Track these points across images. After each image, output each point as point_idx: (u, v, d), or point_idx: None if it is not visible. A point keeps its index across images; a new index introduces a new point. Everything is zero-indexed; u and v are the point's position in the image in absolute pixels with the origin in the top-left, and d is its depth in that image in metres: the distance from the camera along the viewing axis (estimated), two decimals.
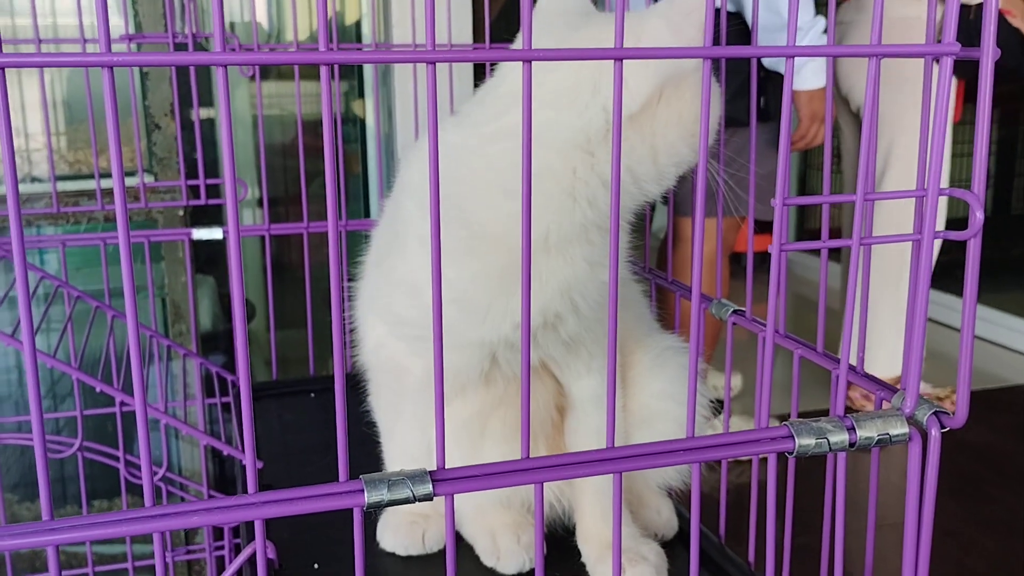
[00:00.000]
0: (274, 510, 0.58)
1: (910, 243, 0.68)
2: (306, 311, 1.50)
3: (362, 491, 0.59)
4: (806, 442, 0.66)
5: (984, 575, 2.05)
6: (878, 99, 0.67)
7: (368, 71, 2.37)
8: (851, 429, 0.67)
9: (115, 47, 1.59)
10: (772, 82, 2.38)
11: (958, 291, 3.72)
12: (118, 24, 1.41)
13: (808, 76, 2.37)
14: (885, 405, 0.74)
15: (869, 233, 0.69)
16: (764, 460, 1.00)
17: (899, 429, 0.68)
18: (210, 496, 1.44)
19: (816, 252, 4.44)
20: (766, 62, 2.28)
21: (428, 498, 0.60)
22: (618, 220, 0.63)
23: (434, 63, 0.56)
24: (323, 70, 0.54)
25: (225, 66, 0.53)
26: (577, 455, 0.64)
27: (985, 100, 0.64)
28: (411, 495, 0.59)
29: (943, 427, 0.69)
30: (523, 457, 0.63)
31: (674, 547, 1.00)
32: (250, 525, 1.07)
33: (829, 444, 0.67)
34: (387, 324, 0.95)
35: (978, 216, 0.65)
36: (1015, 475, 2.59)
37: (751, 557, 0.97)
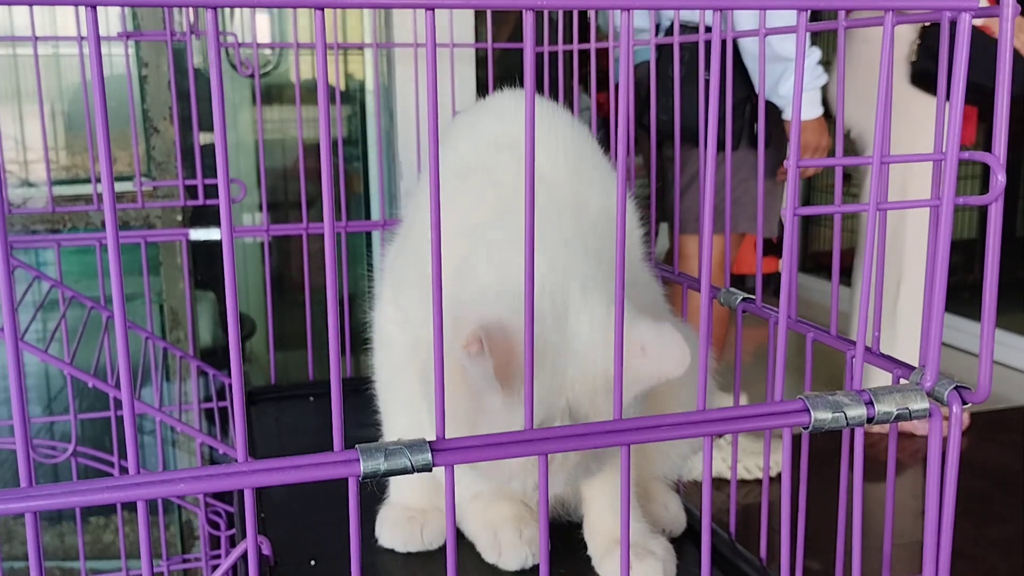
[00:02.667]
0: (264, 479, 0.56)
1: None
2: (306, 326, 1.46)
3: (357, 460, 0.56)
4: (822, 416, 0.64)
5: None
6: (892, 61, 0.65)
7: (370, 87, 2.35)
8: (869, 404, 0.64)
9: (113, 45, 1.56)
10: (767, 110, 2.36)
11: (964, 312, 3.68)
12: (115, 21, 1.40)
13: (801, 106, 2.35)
14: (903, 384, 0.71)
15: (885, 199, 0.66)
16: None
17: (919, 404, 0.65)
18: (206, 502, 1.41)
19: (823, 274, 4.44)
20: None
21: (427, 468, 0.57)
22: (624, 209, 0.60)
23: (432, 9, 0.54)
24: (316, 15, 0.52)
25: (213, 8, 0.51)
26: (584, 427, 0.61)
27: (1005, 57, 0.61)
28: (409, 464, 0.57)
29: (964, 403, 0.66)
30: (527, 428, 0.60)
31: (682, 543, 0.97)
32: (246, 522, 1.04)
33: (846, 418, 0.64)
34: (395, 304, 0.95)
35: (999, 179, 0.63)
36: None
37: (763, 554, 0.93)
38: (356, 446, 0.57)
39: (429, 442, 0.57)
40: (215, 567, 1.52)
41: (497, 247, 0.80)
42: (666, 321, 0.78)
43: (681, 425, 0.62)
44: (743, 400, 2.85)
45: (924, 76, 2.59)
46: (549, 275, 0.76)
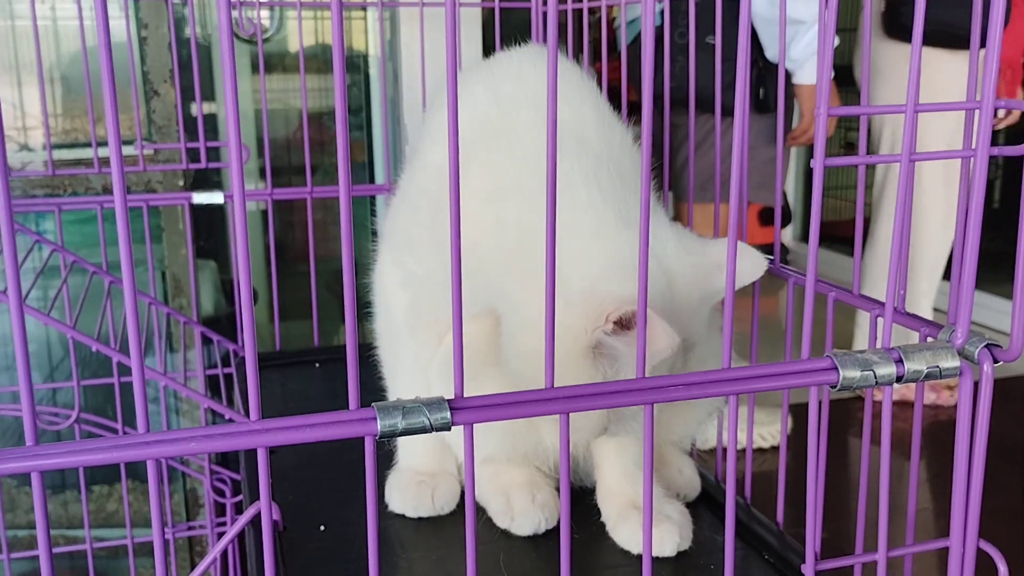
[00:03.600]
0: (278, 437, 0.54)
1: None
2: (311, 300, 1.45)
3: (374, 419, 0.54)
4: (851, 374, 0.62)
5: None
6: (925, 13, 0.63)
7: (374, 50, 2.32)
8: (899, 361, 0.63)
9: (111, 6, 1.53)
10: (773, 74, 2.33)
11: (982, 286, 3.66)
12: None
13: (810, 71, 2.32)
14: (932, 341, 0.69)
15: (914, 149, 0.64)
16: (792, 436, 0.95)
17: (950, 362, 0.64)
18: (212, 469, 1.40)
19: (829, 244, 4.42)
20: (769, 54, 2.24)
21: (446, 427, 0.55)
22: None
23: None
24: None
25: None
26: (606, 385, 0.59)
27: None
28: (427, 423, 0.55)
29: (996, 361, 0.65)
30: (547, 386, 0.59)
31: (697, 507, 0.96)
32: (254, 488, 1.02)
33: (875, 376, 0.62)
34: (397, 264, 0.94)
35: None
36: None
37: (779, 517, 0.92)
38: (373, 404, 0.55)
39: (448, 400, 0.56)
40: (221, 535, 1.52)
41: (584, 217, 0.79)
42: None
43: (706, 383, 0.60)
44: None
45: (896, 26, 2.53)
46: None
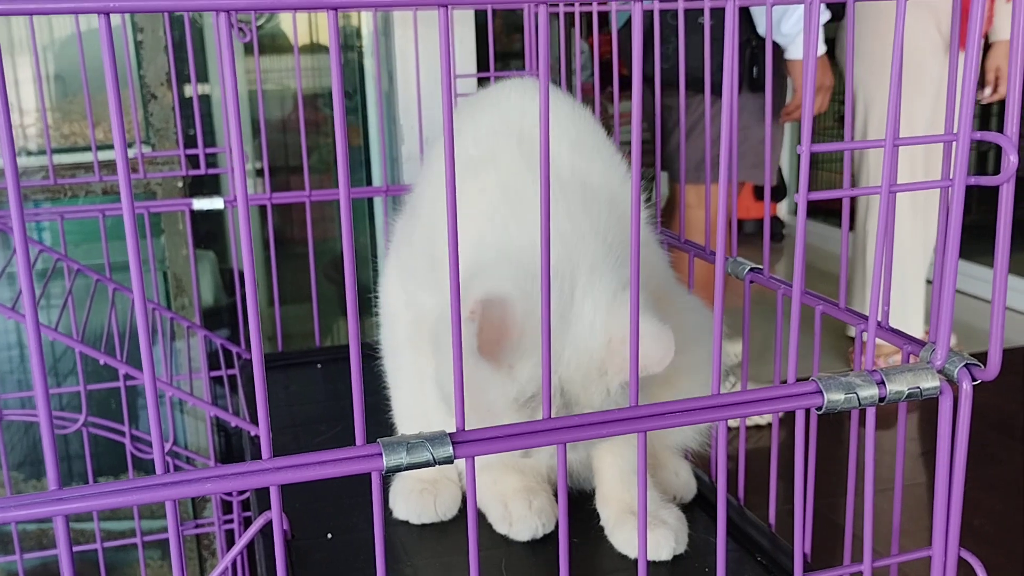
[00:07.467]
0: (290, 475, 0.56)
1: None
2: (310, 283, 1.48)
3: (380, 455, 0.57)
4: (835, 397, 0.64)
5: (991, 536, 2.04)
6: (903, 41, 0.65)
7: (368, 44, 2.33)
8: (880, 383, 0.65)
9: None
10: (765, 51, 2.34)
11: (970, 256, 3.69)
12: None
13: (801, 46, 2.33)
14: (913, 360, 0.72)
15: (895, 181, 0.66)
16: (784, 418, 0.98)
17: (930, 383, 0.66)
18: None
19: (823, 218, 4.44)
20: (762, 31, 2.24)
21: (448, 461, 0.58)
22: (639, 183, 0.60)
23: (447, 7, 0.53)
24: (329, 15, 0.52)
25: (225, 11, 0.51)
26: (599, 415, 0.62)
27: (1020, 41, 0.61)
28: (431, 458, 0.57)
29: (975, 380, 0.67)
30: (544, 418, 0.61)
31: (692, 510, 0.99)
32: (262, 495, 1.05)
33: (859, 399, 0.65)
34: (404, 289, 0.96)
35: (1012, 160, 0.63)
36: (1020, 436, 2.58)
37: (771, 519, 0.95)
38: (378, 440, 0.58)
39: (449, 434, 0.58)
40: (228, 532, 1.55)
41: (507, 224, 0.81)
42: (654, 317, 0.77)
43: (695, 411, 0.63)
44: (737, 348, 2.83)
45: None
46: (557, 255, 0.76)
